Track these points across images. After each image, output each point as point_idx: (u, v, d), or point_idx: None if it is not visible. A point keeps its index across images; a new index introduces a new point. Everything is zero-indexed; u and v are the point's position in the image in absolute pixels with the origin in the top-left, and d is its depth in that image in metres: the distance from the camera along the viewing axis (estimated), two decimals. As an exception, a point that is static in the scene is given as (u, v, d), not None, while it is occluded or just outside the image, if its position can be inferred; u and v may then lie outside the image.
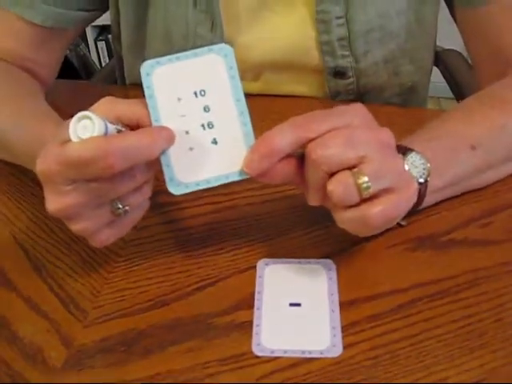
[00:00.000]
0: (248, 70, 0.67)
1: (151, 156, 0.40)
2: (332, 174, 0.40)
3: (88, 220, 0.42)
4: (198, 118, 0.43)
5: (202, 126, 0.43)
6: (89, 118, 0.38)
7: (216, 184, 0.43)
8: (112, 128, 0.39)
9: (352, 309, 0.44)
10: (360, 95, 0.68)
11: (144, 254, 0.49)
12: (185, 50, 0.65)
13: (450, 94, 1.06)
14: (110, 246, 0.47)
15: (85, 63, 1.47)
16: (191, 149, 0.43)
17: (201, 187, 0.43)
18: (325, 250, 0.49)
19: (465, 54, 0.78)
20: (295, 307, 0.45)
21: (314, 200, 0.43)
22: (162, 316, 0.44)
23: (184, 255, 0.49)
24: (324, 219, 0.49)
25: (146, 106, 0.42)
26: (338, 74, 0.65)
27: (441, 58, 0.94)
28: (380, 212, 0.40)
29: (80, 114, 0.38)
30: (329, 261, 0.48)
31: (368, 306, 0.44)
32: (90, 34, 2.00)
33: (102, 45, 2.06)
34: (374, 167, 0.39)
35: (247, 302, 0.45)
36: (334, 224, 0.43)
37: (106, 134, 0.39)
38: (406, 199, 0.41)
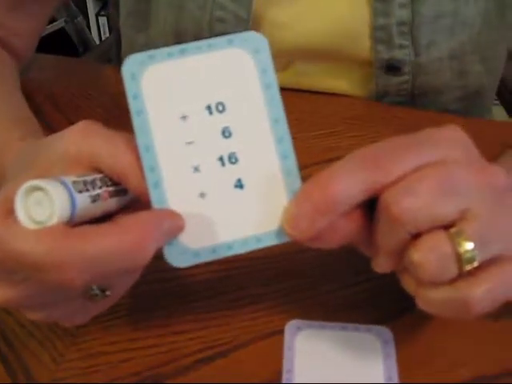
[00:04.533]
0: (276, 57, 0.53)
1: (137, 266, 0.26)
2: (416, 234, 0.27)
3: (49, 310, 0.29)
4: (214, 148, 0.28)
5: (220, 159, 0.28)
6: (42, 189, 0.24)
7: (242, 251, 0.28)
8: (83, 199, 0.25)
9: (419, 404, 0.31)
10: (413, 97, 0.55)
11: (128, 303, 0.35)
12: (200, 23, 0.53)
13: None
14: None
15: (82, 38, 1.33)
16: (203, 195, 0.28)
17: (218, 256, 0.28)
18: (377, 310, 0.36)
19: None
20: (339, 398, 0.32)
21: (384, 266, 0.29)
22: (149, 400, 0.31)
23: (184, 308, 0.35)
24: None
25: (134, 149, 0.27)
26: (391, 68, 0.52)
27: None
28: (485, 293, 0.27)
29: (30, 183, 0.25)
30: (384, 328, 0.35)
31: (442, 401, 0.32)
32: (92, 7, 1.85)
33: (103, 20, 1.91)
34: (480, 227, 0.26)
35: (271, 386, 0.32)
36: (390, 275, 0.30)
37: (72, 213, 0.25)
38: None
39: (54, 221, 0.24)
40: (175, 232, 0.27)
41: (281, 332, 0.34)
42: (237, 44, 0.29)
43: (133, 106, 0.28)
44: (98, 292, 0.28)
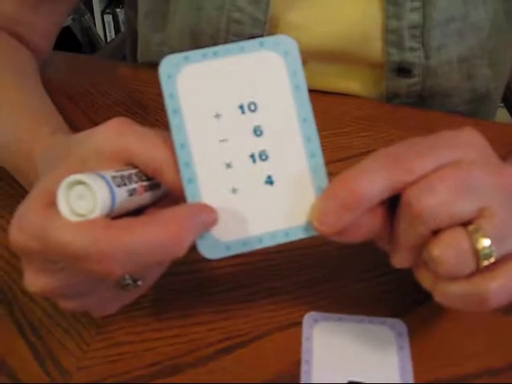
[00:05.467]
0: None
1: (173, 258, 0.27)
2: (436, 231, 0.28)
3: (83, 299, 0.30)
4: (246, 145, 0.30)
5: (252, 156, 0.30)
6: (85, 184, 0.25)
7: (271, 244, 0.30)
8: (121, 193, 0.27)
9: (432, 395, 0.32)
10: (422, 99, 0.56)
11: (151, 294, 0.37)
12: (217, 24, 0.54)
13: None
14: (106, 280, 0.35)
15: (89, 36, 1.34)
16: (235, 191, 0.29)
17: (248, 248, 0.29)
18: (392, 304, 0.37)
19: None
20: (356, 388, 0.33)
21: (403, 262, 0.31)
22: (172, 388, 0.32)
23: (206, 300, 0.36)
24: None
25: (169, 146, 0.28)
26: (402, 70, 0.53)
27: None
28: (501, 287, 0.28)
29: (72, 177, 0.26)
30: (398, 321, 0.36)
31: (454, 392, 0.33)
32: (97, 5, 1.85)
33: (108, 18, 1.91)
34: (497, 224, 0.28)
35: (290, 375, 0.33)
36: (404, 271, 0.31)
37: (112, 207, 0.26)
38: None
39: (96, 214, 0.25)
40: (209, 225, 0.29)
41: (299, 324, 0.35)
42: (268, 46, 0.30)
43: (169, 104, 0.29)
44: (130, 282, 0.29)
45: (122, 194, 0.26)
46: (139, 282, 0.29)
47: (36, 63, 0.52)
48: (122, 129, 0.29)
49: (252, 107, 0.30)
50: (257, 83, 0.30)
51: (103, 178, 0.26)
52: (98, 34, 1.35)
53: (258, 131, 0.30)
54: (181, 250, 0.26)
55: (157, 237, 0.26)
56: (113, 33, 1.89)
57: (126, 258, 0.26)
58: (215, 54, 0.30)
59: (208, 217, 0.28)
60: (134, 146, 0.28)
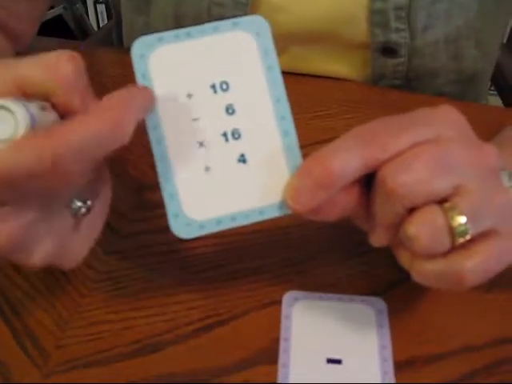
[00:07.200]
0: (274, 40, 0.54)
1: (117, 145, 0.26)
2: (412, 209, 0.28)
3: (44, 243, 0.28)
4: (218, 124, 0.30)
5: (224, 135, 0.30)
6: (1, 106, 0.24)
7: (245, 223, 0.30)
8: (33, 108, 0.25)
9: (411, 372, 0.32)
10: (408, 80, 0.56)
11: (131, 273, 0.36)
12: (199, 6, 0.54)
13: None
14: (85, 259, 0.34)
15: (81, 25, 1.33)
16: (207, 169, 0.29)
17: (222, 227, 0.29)
18: (372, 283, 0.37)
19: None
20: (334, 365, 0.33)
21: (380, 240, 0.31)
22: (151, 367, 0.32)
23: (186, 279, 0.36)
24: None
25: (59, 67, 0.26)
26: (387, 50, 0.53)
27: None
28: (477, 265, 0.28)
29: None
30: (378, 300, 0.36)
31: (433, 368, 0.33)
32: (90, -6, 1.85)
33: (101, 8, 1.90)
34: (473, 202, 0.28)
35: (269, 354, 0.33)
36: (384, 250, 0.31)
37: (33, 123, 0.25)
38: None
39: (22, 132, 0.24)
40: (149, 105, 0.28)
41: (278, 302, 0.35)
42: (241, 27, 0.30)
43: (141, 84, 0.29)
44: (80, 204, 0.28)
45: (35, 109, 0.25)
46: (89, 202, 0.29)
47: (6, 47, 0.50)
48: (9, 62, 0.27)
49: (224, 86, 0.30)
50: (229, 63, 0.30)
51: (13, 99, 0.25)
52: (90, 23, 1.35)
53: (230, 110, 0.30)
54: (125, 136, 0.25)
55: (100, 126, 0.25)
56: (106, 22, 1.88)
57: (76, 156, 0.25)
58: (188, 35, 0.30)
59: (144, 97, 0.28)
60: (23, 73, 0.27)
